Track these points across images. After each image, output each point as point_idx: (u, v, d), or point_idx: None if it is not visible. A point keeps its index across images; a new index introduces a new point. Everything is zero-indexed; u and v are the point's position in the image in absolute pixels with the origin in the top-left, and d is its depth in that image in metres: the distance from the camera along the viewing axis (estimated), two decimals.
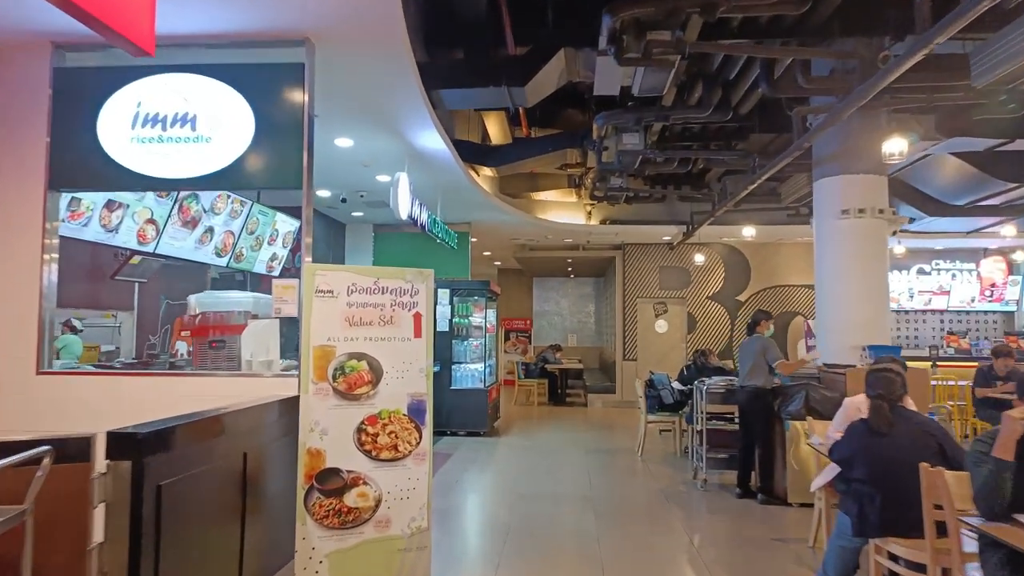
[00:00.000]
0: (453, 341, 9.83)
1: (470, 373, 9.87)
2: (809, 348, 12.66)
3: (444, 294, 9.80)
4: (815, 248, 6.99)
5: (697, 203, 11.58)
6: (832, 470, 4.44)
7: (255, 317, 4.95)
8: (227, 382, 4.23)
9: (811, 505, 5.81)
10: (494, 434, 9.94)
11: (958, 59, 5.92)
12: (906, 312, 14.39)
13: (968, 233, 12.35)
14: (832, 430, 4.53)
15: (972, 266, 13.97)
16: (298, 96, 4.27)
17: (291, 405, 3.88)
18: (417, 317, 4.23)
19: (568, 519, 5.72)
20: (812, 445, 4.51)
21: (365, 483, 3.86)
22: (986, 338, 13.95)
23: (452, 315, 9.80)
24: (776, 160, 6.71)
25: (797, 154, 6.53)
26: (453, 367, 9.80)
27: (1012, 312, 14.18)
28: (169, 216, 6.25)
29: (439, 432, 9.64)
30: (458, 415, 9.64)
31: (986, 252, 13.93)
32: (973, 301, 14.17)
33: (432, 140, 6.41)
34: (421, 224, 7.33)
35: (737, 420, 6.55)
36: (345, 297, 3.98)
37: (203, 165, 4.25)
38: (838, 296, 6.59)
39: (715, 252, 13.41)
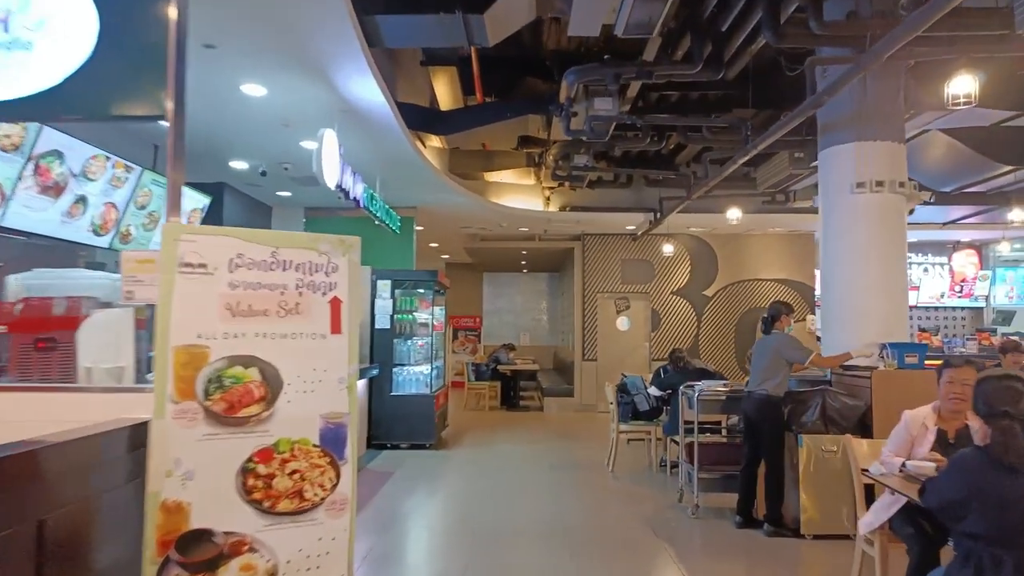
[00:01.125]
0: (395, 340, 8.55)
1: (414, 377, 8.60)
2: None
3: (385, 286, 8.50)
4: (821, 230, 6.00)
5: (667, 187, 10.58)
6: (891, 504, 3.38)
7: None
8: (52, 400, 2.89)
9: (829, 538, 4.79)
10: (442, 446, 8.70)
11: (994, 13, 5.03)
12: None
13: (944, 225, 11.73)
14: (888, 452, 3.48)
15: (944, 260, 13.42)
16: None
17: (143, 434, 2.59)
18: (335, 304, 2.95)
19: (537, 564, 4.54)
20: (871, 476, 3.44)
21: (252, 550, 2.59)
22: (955, 335, 13.43)
23: (394, 310, 8.52)
24: (784, 120, 5.69)
25: (810, 113, 5.51)
26: (395, 370, 8.52)
27: (981, 308, 13.70)
28: (19, 178, 4.81)
29: (378, 446, 8.36)
30: (401, 425, 8.36)
31: (956, 245, 13.40)
32: (943, 297, 13.64)
33: (367, 89, 5.14)
34: (355, 198, 6.05)
35: (740, 431, 5.50)
36: (226, 274, 2.68)
37: (18, 82, 2.90)
38: (850, 285, 5.60)
39: (681, 244, 12.47)
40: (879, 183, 5.44)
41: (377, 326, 8.45)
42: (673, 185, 10.56)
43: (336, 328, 2.92)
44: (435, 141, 8.02)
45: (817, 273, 12.68)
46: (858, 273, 5.53)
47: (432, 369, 8.77)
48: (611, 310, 12.64)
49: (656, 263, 12.55)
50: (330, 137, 5.09)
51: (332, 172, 5.18)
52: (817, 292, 12.80)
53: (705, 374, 6.92)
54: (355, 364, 2.93)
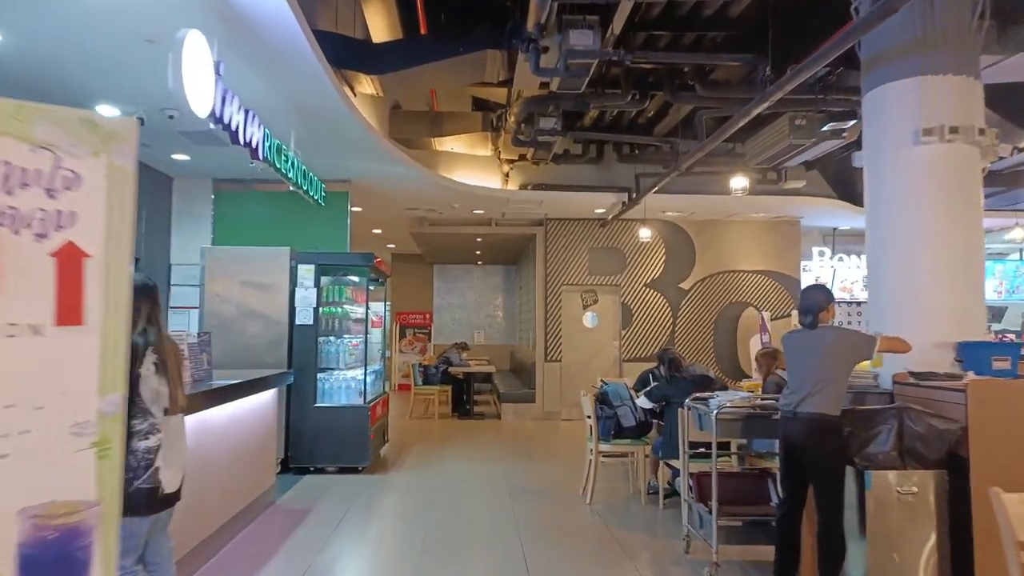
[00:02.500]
0: (320, 340, 6.93)
1: (345, 384, 6.99)
2: (764, 345, 10.62)
3: (308, 272, 6.87)
4: (867, 197, 4.63)
5: (643, 163, 9.20)
6: None
7: None
8: None
9: None
10: (379, 468, 7.12)
11: None
12: (857, 304, 12.68)
13: None
14: None
15: None
16: None
17: None
18: (69, 258, 1.36)
19: None
20: None
21: None
22: None
23: (319, 302, 6.90)
24: (824, 49, 4.30)
25: (854, 40, 4.15)
26: (320, 376, 6.90)
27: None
28: None
29: (297, 470, 6.73)
30: (327, 444, 6.75)
31: None
32: None
33: None
34: (247, 142, 4.41)
35: (752, 453, 4.11)
36: None
37: None
38: (909, 267, 4.25)
39: (655, 231, 11.11)
40: (953, 129, 4.10)
41: (298, 321, 6.81)
42: (650, 160, 9.18)
43: (71, 314, 1.34)
44: (367, 86, 6.43)
45: (803, 264, 11.50)
46: (925, 251, 4.18)
47: (368, 374, 7.17)
48: (577, 305, 11.22)
49: (628, 252, 11.18)
50: (194, 42, 3.46)
51: (200, 94, 3.56)
52: (804, 285, 11.63)
53: (707, 382, 5.51)
54: (117, 394, 1.36)
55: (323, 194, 6.77)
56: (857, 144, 9.11)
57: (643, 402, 5.63)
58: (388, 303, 17.63)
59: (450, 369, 11.34)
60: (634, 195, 9.30)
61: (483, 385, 13.61)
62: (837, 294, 12.54)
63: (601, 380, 6.02)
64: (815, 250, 12.05)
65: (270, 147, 4.93)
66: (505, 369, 15.47)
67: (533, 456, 8.19)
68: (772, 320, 10.84)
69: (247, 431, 5.05)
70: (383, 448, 7.98)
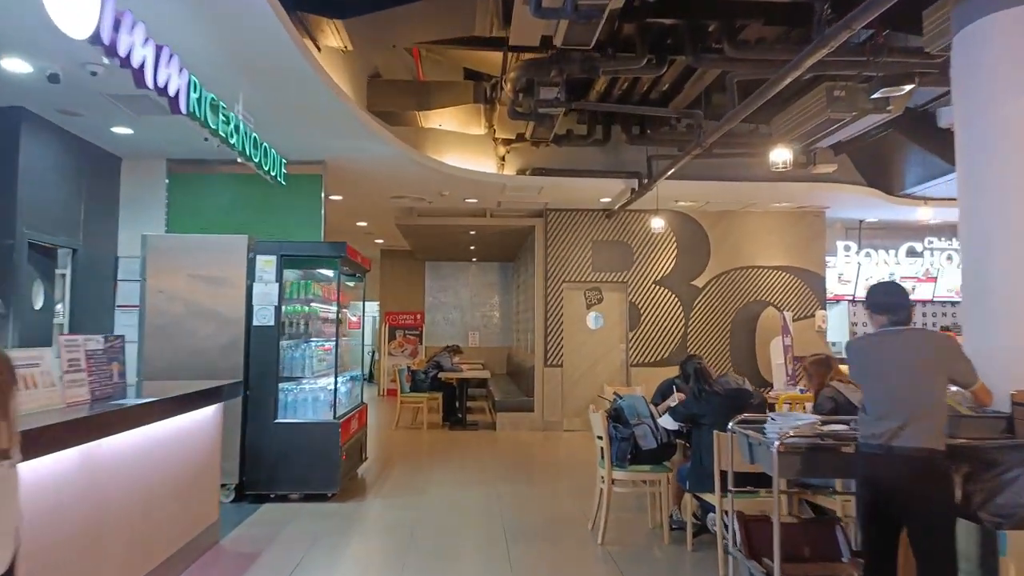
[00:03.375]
0: (283, 344, 5.92)
1: (312, 396, 5.98)
2: (786, 349, 9.65)
3: (268, 264, 5.86)
4: (960, 163, 3.64)
5: (657, 144, 8.21)
6: None
7: None
8: None
9: None
10: (353, 494, 6.11)
11: None
12: None
13: None
14: None
15: None
16: None
17: None
18: None
19: None
20: None
21: None
22: None
23: (282, 299, 5.89)
24: None
25: None
26: (282, 387, 5.89)
27: None
28: None
29: (256, 497, 5.73)
30: (290, 467, 5.74)
31: None
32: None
33: None
34: (161, 87, 3.39)
35: (838, 497, 3.11)
36: None
37: None
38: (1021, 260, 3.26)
39: (665, 223, 10.12)
40: None
41: (256, 322, 5.80)
42: (664, 142, 8.18)
43: None
44: (331, 37, 5.42)
45: (829, 260, 10.52)
46: None
47: (339, 384, 6.17)
48: (580, 304, 10.22)
49: (636, 246, 10.18)
50: None
51: (77, 7, 2.54)
52: (829, 282, 10.68)
53: (742, 397, 4.51)
54: None
55: (283, 171, 5.76)
56: (896, 123, 8.16)
57: (666, 422, 4.62)
58: (378, 304, 16.66)
59: (440, 375, 10.34)
60: (646, 180, 8.30)
61: (477, 390, 12.62)
62: (861, 293, 11.60)
63: (615, 393, 5.02)
64: (839, 244, 11.07)
65: (199, 100, 3.91)
66: (501, 373, 14.49)
67: (533, 477, 7.18)
68: (794, 321, 9.86)
69: (176, 458, 4.04)
70: (360, 467, 6.98)
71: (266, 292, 5.81)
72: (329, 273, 6.40)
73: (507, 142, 8.11)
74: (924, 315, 11.78)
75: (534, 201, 9.56)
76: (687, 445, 4.78)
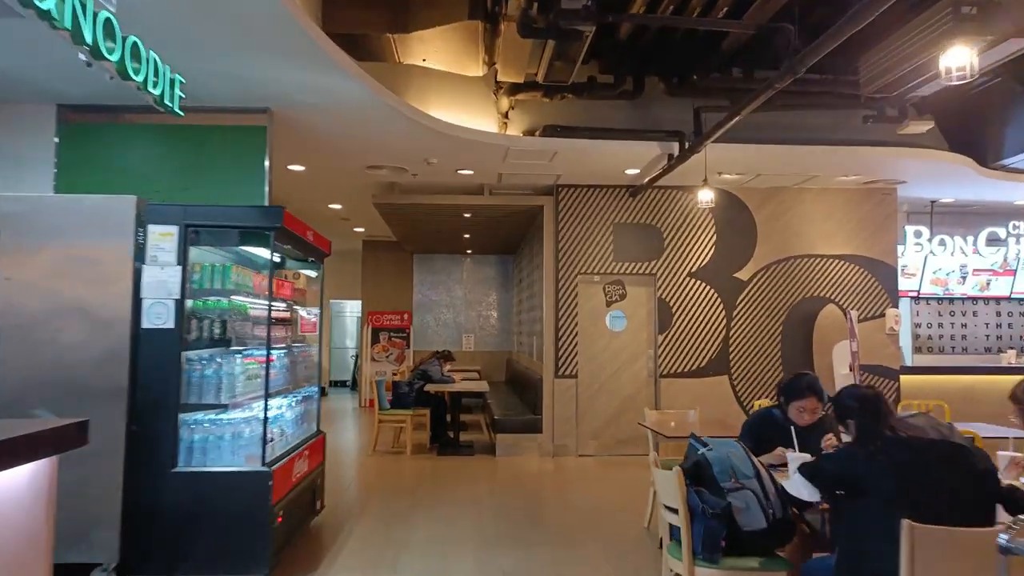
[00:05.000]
0: (188, 355, 4.05)
1: (232, 433, 4.11)
2: (853, 356, 7.83)
3: (164, 238, 3.99)
4: None
5: (702, 96, 6.39)
6: None
7: None
8: None
9: None
10: (295, 570, 4.24)
11: None
12: (951, 301, 9.92)
13: None
14: None
15: None
16: None
17: None
18: None
19: None
20: None
21: None
22: None
23: (187, 290, 4.02)
24: None
25: None
26: (184, 420, 4.02)
27: None
28: None
29: None
30: (197, 539, 3.88)
31: None
32: None
33: None
34: None
35: None
36: None
37: None
38: None
39: (696, 199, 8.30)
40: None
41: (147, 323, 3.93)
42: (714, 92, 6.37)
43: None
44: None
45: (900, 249, 8.71)
46: None
47: (284, 410, 4.33)
48: (599, 301, 8.38)
49: (667, 230, 8.34)
50: None
51: None
52: (903, 275, 8.89)
53: (959, 457, 2.63)
54: None
55: (178, 94, 3.88)
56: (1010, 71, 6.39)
57: (797, 486, 2.76)
58: (360, 303, 14.79)
59: (428, 387, 8.48)
60: (687, 143, 6.47)
61: (473, 400, 10.77)
62: (927, 288, 9.80)
63: (692, 436, 3.15)
64: (909, 230, 9.26)
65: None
66: (499, 381, 12.64)
67: (549, 533, 5.32)
68: (860, 321, 8.05)
69: None
70: (313, 521, 5.12)
71: (162, 280, 3.95)
72: (260, 254, 4.53)
73: (513, 90, 6.25)
74: (998, 314, 9.99)
75: (544, 172, 7.70)
76: (826, 522, 2.94)
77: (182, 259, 3.96)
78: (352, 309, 16.66)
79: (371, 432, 8.69)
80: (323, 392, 15.85)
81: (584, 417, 8.17)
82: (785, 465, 3.18)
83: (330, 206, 9.74)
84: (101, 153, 5.37)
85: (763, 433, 3.48)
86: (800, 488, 2.67)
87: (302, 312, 5.56)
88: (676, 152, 6.72)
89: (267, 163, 5.48)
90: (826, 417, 3.45)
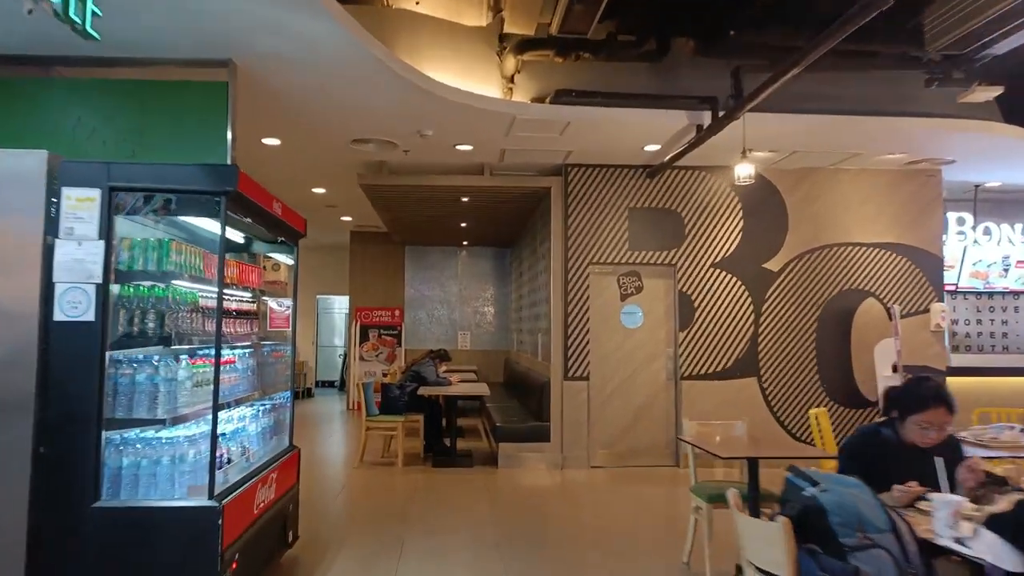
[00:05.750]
0: (114, 356, 3.15)
1: (172, 456, 3.20)
2: (897, 353, 7.01)
3: (83, 204, 3.08)
4: None
5: (742, 55, 5.53)
6: None
7: None
8: None
9: None
10: None
11: None
12: (990, 296, 9.11)
13: None
14: None
15: None
16: None
17: None
18: None
19: None
20: None
21: None
22: None
23: (111, 272, 3.12)
24: None
25: None
26: (110, 439, 3.12)
27: None
28: None
29: None
30: None
31: None
32: None
33: None
34: None
35: None
36: None
37: None
38: None
39: (727, 184, 7.46)
40: None
41: (59, 316, 3.03)
42: (755, 49, 5.51)
43: None
44: None
45: (944, 238, 7.90)
46: None
47: (248, 423, 3.45)
48: (612, 294, 7.52)
49: (688, 215, 7.49)
50: None
51: None
52: (948, 265, 8.09)
53: None
54: None
55: (91, 8, 2.97)
56: None
57: (994, 551, 1.88)
58: (348, 298, 13.85)
59: (421, 390, 7.59)
60: (720, 111, 5.61)
61: (469, 402, 9.90)
62: (965, 281, 8.98)
63: (792, 470, 2.28)
64: (951, 217, 8.43)
65: None
66: (497, 382, 11.77)
67: (567, 572, 4.44)
68: (902, 317, 7.23)
69: None
70: (286, 554, 4.23)
71: (79, 259, 3.05)
72: (209, 227, 3.63)
73: (520, 47, 5.38)
74: None
75: (553, 149, 6.83)
76: None
77: (105, 232, 3.07)
78: (341, 305, 15.77)
79: (358, 440, 7.79)
80: (309, 393, 14.98)
81: (597, 424, 7.31)
82: (915, 507, 2.33)
83: (314, 190, 8.84)
84: (26, 111, 4.45)
85: (873, 460, 2.61)
86: (1001, 554, 1.81)
87: (273, 304, 4.67)
88: (707, 122, 5.86)
89: (230, 129, 4.57)
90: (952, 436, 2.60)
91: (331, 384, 16.18)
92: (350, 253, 12.79)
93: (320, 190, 8.82)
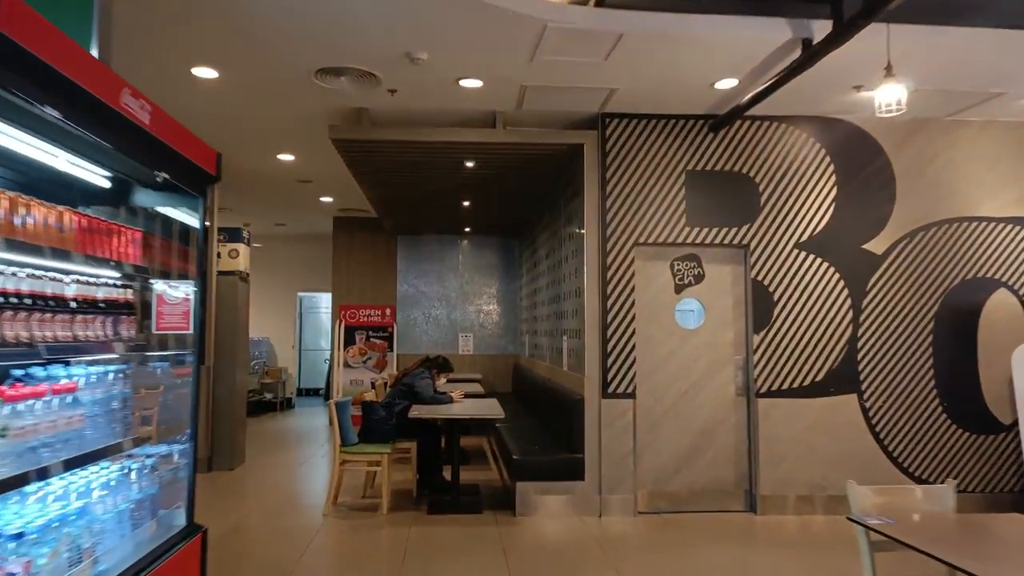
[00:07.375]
0: None
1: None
2: None
3: None
4: None
5: None
6: None
7: None
8: None
9: None
10: None
11: None
12: None
13: None
14: None
15: None
16: None
17: None
18: None
19: None
20: None
21: None
22: None
23: None
24: None
25: None
26: None
27: None
28: None
29: None
30: None
31: None
32: None
33: None
34: None
35: None
36: None
37: None
38: None
39: (808, 137, 5.69)
40: None
41: None
42: None
43: None
44: None
45: None
46: None
47: (61, 513, 1.68)
48: (664, 283, 5.74)
49: (765, 181, 5.71)
50: None
51: None
52: None
53: None
54: None
55: None
56: None
57: None
58: (330, 295, 11.88)
59: (414, 410, 5.79)
60: (843, 16, 3.83)
61: (475, 422, 8.07)
62: None
63: None
64: None
65: None
66: (506, 392, 9.99)
67: None
68: None
69: None
70: None
71: None
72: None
73: None
74: None
75: (591, 84, 5.02)
76: None
77: None
78: (327, 304, 14.00)
79: (333, 472, 5.98)
80: (289, 404, 13.18)
81: (644, 455, 5.53)
82: None
83: (280, 157, 7.05)
84: None
85: None
86: None
87: (166, 289, 2.89)
88: (818, 36, 4.09)
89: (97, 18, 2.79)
90: None
91: (316, 392, 14.40)
92: (333, 243, 11.03)
93: (287, 156, 7.04)
